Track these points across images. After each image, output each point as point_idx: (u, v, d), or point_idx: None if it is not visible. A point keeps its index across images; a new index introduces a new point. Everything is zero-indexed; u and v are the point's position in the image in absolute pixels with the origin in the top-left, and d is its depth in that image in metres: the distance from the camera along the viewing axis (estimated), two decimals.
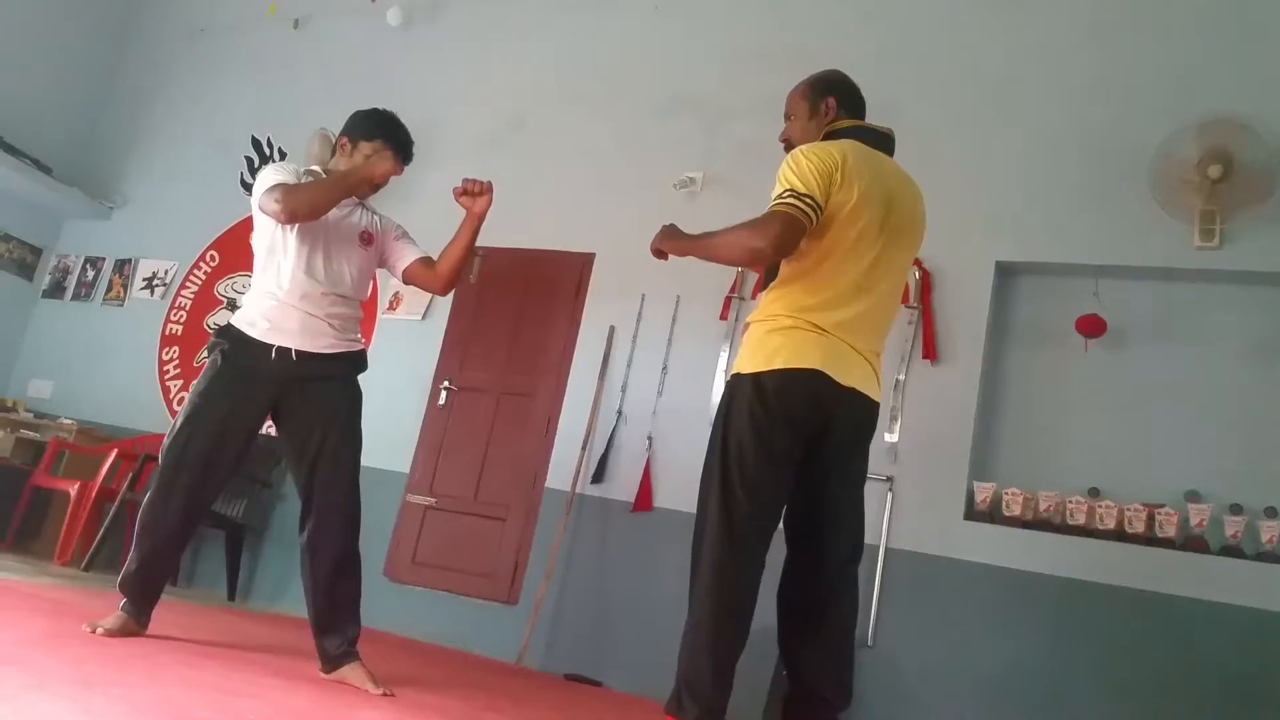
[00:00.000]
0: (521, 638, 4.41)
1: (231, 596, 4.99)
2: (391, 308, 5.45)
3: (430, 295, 5.26)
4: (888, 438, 4.08)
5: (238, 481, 5.08)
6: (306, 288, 2.80)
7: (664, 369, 4.65)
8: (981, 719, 3.65)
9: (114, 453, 5.18)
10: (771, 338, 2.31)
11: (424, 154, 5.65)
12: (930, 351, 4.12)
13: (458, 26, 5.89)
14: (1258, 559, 3.52)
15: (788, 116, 2.60)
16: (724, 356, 4.50)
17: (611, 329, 4.83)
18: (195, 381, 2.84)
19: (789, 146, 2.50)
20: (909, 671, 3.80)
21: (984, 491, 3.90)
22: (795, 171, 2.27)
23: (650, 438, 4.55)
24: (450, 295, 5.25)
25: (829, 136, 2.45)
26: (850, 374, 2.30)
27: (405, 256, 3.03)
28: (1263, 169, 3.69)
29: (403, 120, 3.05)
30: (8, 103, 6.22)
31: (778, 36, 4.94)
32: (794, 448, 2.29)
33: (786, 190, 2.24)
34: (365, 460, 5.04)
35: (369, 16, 6.00)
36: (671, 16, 5.30)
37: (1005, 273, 4.22)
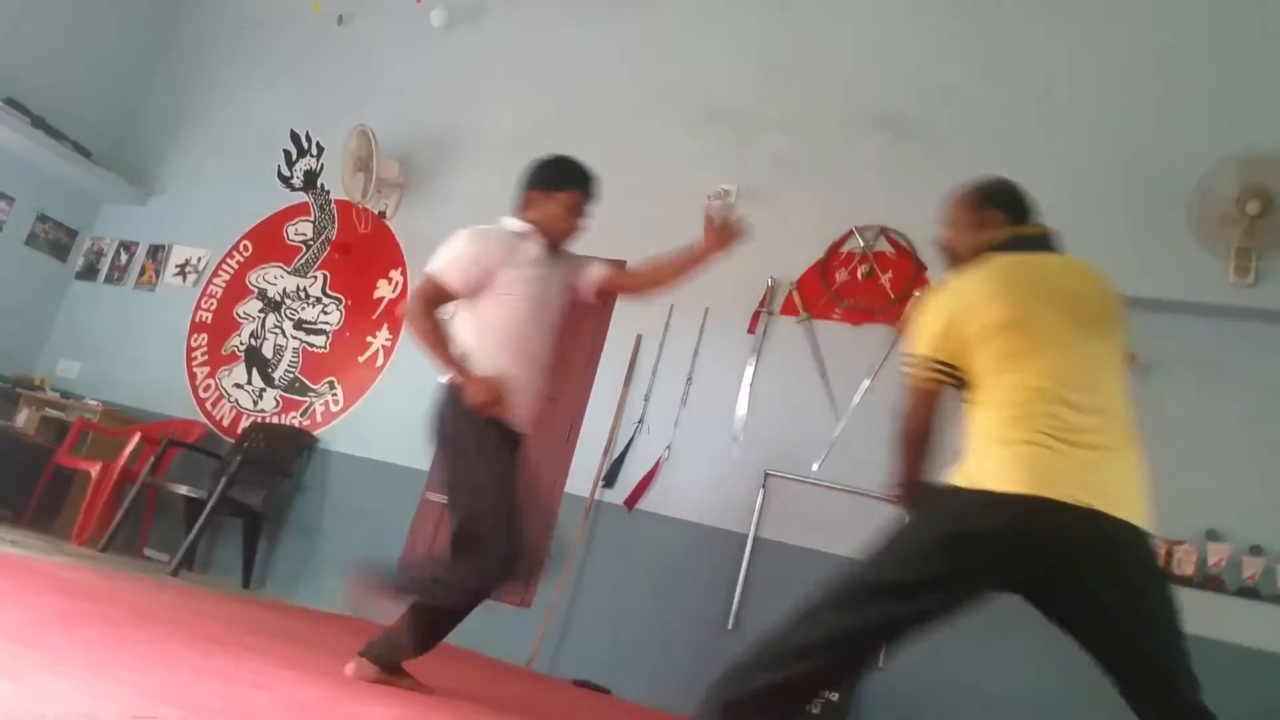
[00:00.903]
0: (533, 642, 4.41)
1: (246, 584, 5.02)
2: None
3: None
4: None
5: (259, 471, 5.12)
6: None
7: (689, 380, 4.64)
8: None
9: (137, 436, 5.23)
10: None
11: (457, 155, 5.75)
12: None
13: (499, 29, 5.92)
14: (1274, 601, 3.46)
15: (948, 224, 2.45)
16: (749, 369, 4.49)
17: (639, 338, 4.83)
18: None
19: (949, 254, 2.41)
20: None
21: None
22: (919, 331, 2.18)
23: (669, 447, 4.54)
24: None
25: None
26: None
27: (592, 274, 3.06)
28: None
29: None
30: (51, 86, 6.32)
31: (815, 51, 4.94)
32: None
33: (914, 358, 2.15)
34: (385, 456, 5.14)
35: (412, 16, 6.04)
36: (710, 26, 5.30)
37: None
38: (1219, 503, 3.69)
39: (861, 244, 4.48)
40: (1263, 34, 4.08)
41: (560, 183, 2.93)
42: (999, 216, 2.35)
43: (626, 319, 4.89)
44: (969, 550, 1.89)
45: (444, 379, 2.77)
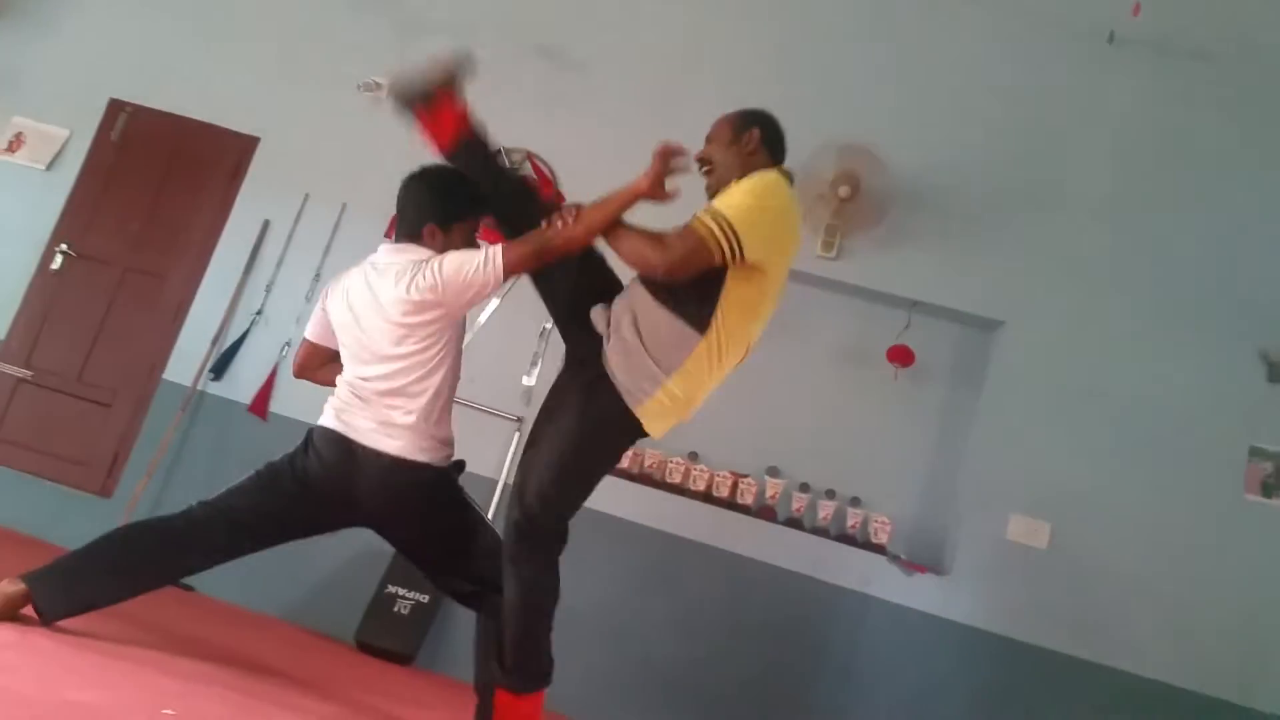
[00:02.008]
0: None
1: None
2: (10, 150, 4.77)
3: (61, 144, 4.72)
4: (525, 380, 4.23)
5: None
6: None
7: (317, 276, 4.48)
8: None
9: None
10: None
11: None
12: None
13: None
14: (813, 532, 4.07)
15: (710, 140, 2.54)
16: None
17: (266, 223, 4.57)
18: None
19: (710, 172, 2.50)
20: None
21: None
22: (753, 204, 2.27)
23: (289, 344, 4.38)
24: (84, 152, 4.75)
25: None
26: None
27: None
28: (881, 197, 4.19)
29: None
30: None
31: None
32: None
33: (727, 221, 2.22)
34: None
35: None
36: None
37: None
38: (782, 445, 4.24)
39: (508, 164, 4.51)
40: (871, 33, 4.56)
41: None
42: (764, 151, 2.48)
43: (254, 200, 4.60)
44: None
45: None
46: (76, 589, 2.21)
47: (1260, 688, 3.75)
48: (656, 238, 2.24)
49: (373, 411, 2.42)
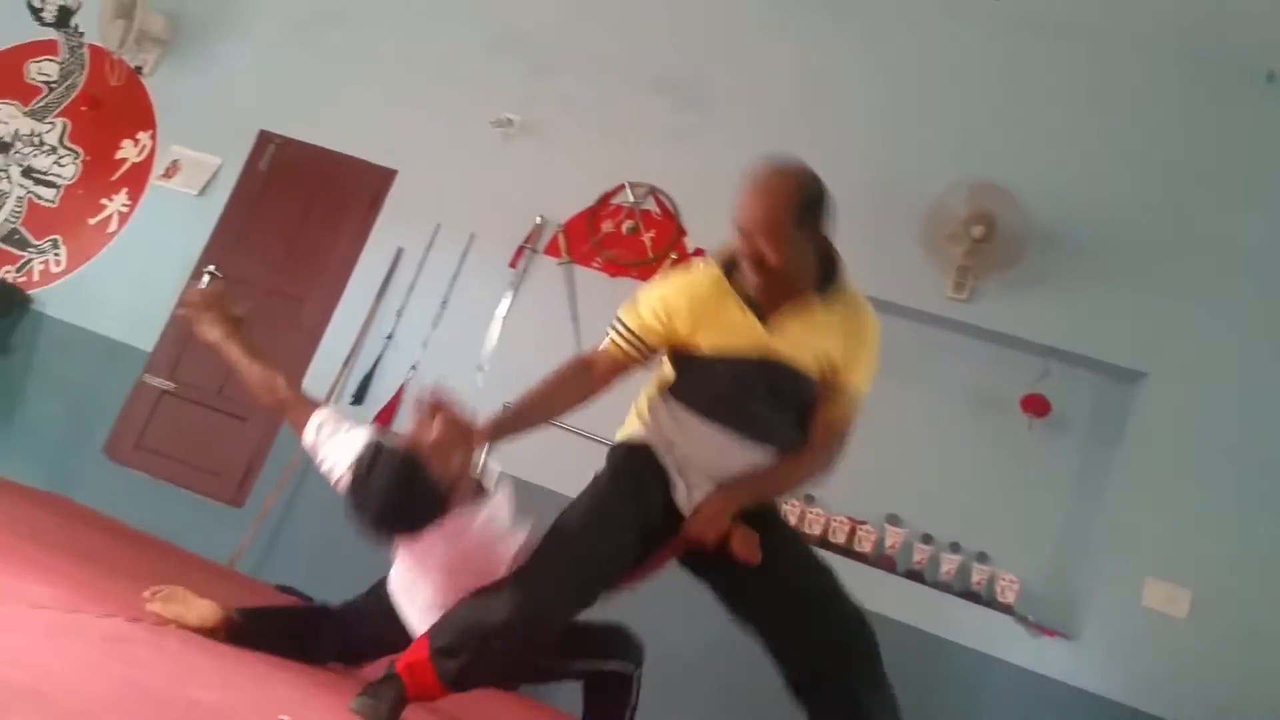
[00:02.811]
0: (240, 541, 4.28)
1: None
2: (167, 175, 5.07)
3: (214, 172, 4.99)
4: None
5: None
6: None
7: (444, 303, 4.59)
8: None
9: None
10: None
11: (231, 22, 5.33)
12: None
13: None
14: (934, 586, 3.90)
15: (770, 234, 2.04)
16: (505, 302, 4.50)
17: (399, 251, 4.71)
18: None
19: (761, 266, 2.08)
20: None
21: None
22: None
23: (415, 367, 4.49)
24: (234, 179, 5.01)
25: None
26: None
27: None
28: (1017, 238, 4.04)
29: None
30: None
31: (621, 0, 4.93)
32: None
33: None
34: (106, 330, 4.79)
35: None
36: None
37: None
38: (903, 493, 4.08)
39: (631, 199, 4.57)
40: (1005, 77, 4.43)
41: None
42: (823, 237, 2.12)
43: (390, 230, 4.76)
44: None
45: None
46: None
47: None
48: (809, 460, 2.18)
49: None
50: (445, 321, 4.58)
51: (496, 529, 2.25)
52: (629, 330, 2.18)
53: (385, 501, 2.07)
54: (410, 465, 2.00)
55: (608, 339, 2.22)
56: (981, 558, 3.95)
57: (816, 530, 3.99)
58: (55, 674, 1.48)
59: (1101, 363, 4.04)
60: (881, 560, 3.96)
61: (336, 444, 2.34)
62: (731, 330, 2.10)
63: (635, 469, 2.17)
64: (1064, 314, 4.07)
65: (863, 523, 4.01)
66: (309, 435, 2.40)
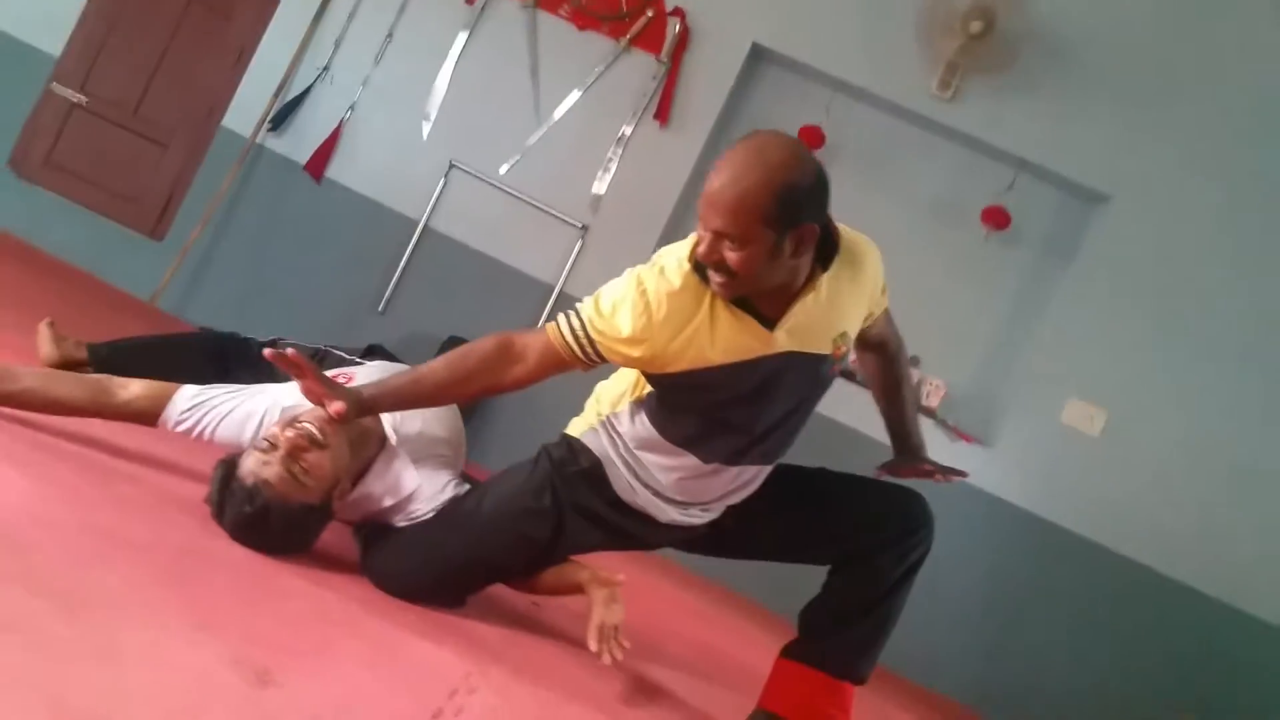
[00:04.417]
0: (161, 277, 4.07)
1: None
2: None
3: None
4: (595, 187, 4.02)
5: None
6: None
7: (389, 36, 4.17)
8: None
9: None
10: None
11: None
12: (664, 114, 4.01)
13: None
14: (862, 385, 3.93)
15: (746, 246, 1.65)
16: (458, 44, 4.11)
17: None
18: None
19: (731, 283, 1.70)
20: None
21: None
22: None
23: (353, 107, 4.15)
24: None
25: None
26: None
27: None
28: (1014, 39, 3.80)
29: None
30: None
31: None
32: None
33: None
34: (3, 26, 4.27)
35: None
36: None
37: (757, 56, 4.12)
38: None
39: None
40: None
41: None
42: (814, 228, 1.65)
43: None
44: None
45: None
46: None
47: None
48: (905, 360, 2.19)
49: None
50: (389, 58, 4.18)
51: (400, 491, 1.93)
52: (589, 340, 1.71)
53: (242, 539, 1.72)
54: (261, 514, 1.68)
55: (555, 328, 1.74)
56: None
57: None
58: None
59: (1069, 181, 3.95)
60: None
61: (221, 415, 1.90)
62: (728, 348, 1.70)
63: (558, 507, 1.89)
64: (1044, 126, 3.92)
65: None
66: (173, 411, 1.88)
